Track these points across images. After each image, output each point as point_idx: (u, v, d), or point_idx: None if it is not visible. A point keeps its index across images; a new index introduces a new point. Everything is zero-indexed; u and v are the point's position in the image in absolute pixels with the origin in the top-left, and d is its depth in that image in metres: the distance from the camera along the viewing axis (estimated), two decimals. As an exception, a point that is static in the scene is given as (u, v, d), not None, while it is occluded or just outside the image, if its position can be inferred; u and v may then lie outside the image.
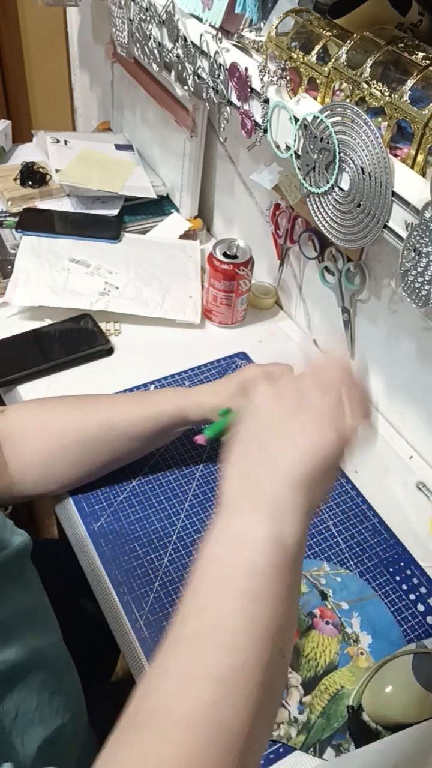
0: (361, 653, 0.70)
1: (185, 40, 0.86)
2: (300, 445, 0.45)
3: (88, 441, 0.75)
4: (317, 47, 0.69)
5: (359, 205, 0.68)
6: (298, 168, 0.75)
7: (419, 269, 0.63)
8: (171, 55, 0.91)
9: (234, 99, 0.81)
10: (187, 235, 1.21)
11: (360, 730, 0.64)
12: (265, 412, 0.48)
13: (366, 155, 0.64)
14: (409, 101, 0.60)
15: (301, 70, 0.71)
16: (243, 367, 0.78)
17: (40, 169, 1.23)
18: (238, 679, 0.40)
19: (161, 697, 0.40)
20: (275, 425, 0.46)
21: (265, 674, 0.40)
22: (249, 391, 0.50)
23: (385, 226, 0.66)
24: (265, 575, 0.42)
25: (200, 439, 0.67)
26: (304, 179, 0.75)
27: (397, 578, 0.76)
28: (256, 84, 0.76)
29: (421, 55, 0.63)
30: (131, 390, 0.94)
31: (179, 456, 0.86)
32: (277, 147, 0.78)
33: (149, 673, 0.42)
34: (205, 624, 0.42)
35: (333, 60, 0.67)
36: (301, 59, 0.70)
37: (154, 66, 0.97)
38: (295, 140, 0.73)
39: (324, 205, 0.74)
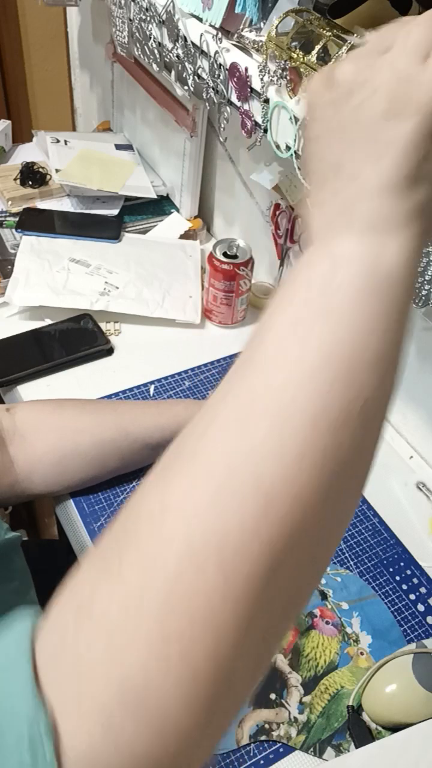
0: (361, 653, 0.70)
1: (185, 40, 0.86)
2: (384, 139, 0.33)
3: (102, 443, 0.75)
4: (317, 47, 0.69)
5: (359, 205, 0.68)
6: (299, 168, 0.75)
7: (419, 269, 0.63)
8: (171, 55, 0.91)
9: (234, 99, 0.81)
10: (187, 235, 1.21)
11: (360, 730, 0.64)
12: (325, 117, 0.37)
13: (366, 155, 0.64)
14: (409, 101, 0.60)
15: (302, 69, 0.71)
16: None
17: (40, 169, 1.23)
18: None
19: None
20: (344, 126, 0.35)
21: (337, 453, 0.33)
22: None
23: (386, 226, 0.66)
24: (357, 299, 0.32)
25: None
26: (304, 179, 0.75)
27: (397, 578, 0.76)
28: (256, 84, 0.76)
29: (421, 55, 0.63)
30: (131, 390, 0.94)
31: (179, 456, 0.86)
32: (278, 147, 0.78)
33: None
34: (263, 377, 0.33)
35: (333, 60, 0.67)
36: (302, 59, 0.70)
37: (154, 66, 0.97)
38: (295, 140, 0.73)
39: (324, 205, 0.74)
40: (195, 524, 0.30)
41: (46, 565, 0.64)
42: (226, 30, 0.80)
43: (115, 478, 0.81)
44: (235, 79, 0.79)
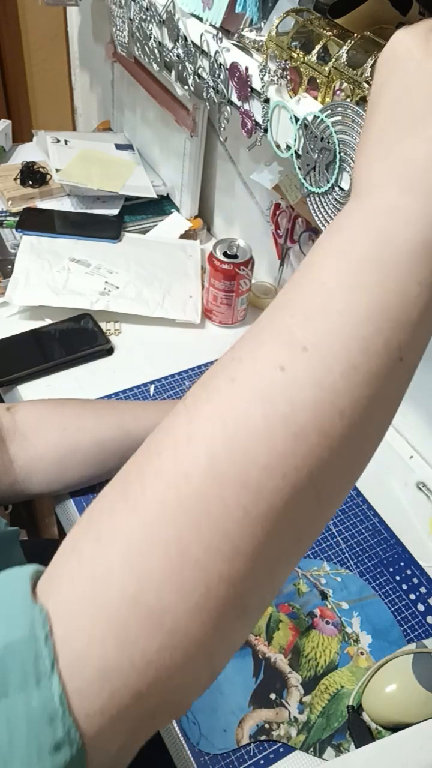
0: (361, 653, 0.70)
1: (185, 39, 0.86)
2: None
3: (103, 443, 0.75)
4: (318, 47, 0.69)
5: (360, 205, 0.68)
6: (299, 168, 0.75)
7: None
8: (171, 54, 0.91)
9: (234, 98, 0.81)
10: (187, 235, 1.21)
11: (360, 730, 0.64)
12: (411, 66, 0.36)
13: (366, 155, 0.64)
14: (409, 101, 0.60)
15: (302, 69, 0.71)
16: None
17: (41, 169, 1.23)
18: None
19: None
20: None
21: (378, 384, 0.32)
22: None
23: (386, 226, 0.66)
24: (409, 252, 0.33)
25: None
26: (304, 179, 0.75)
27: (397, 578, 0.76)
28: (256, 84, 0.76)
29: (421, 54, 0.63)
30: (131, 390, 0.94)
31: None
32: (278, 147, 0.78)
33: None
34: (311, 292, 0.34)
35: (333, 60, 0.67)
36: (302, 59, 0.70)
37: (155, 65, 0.97)
38: (295, 140, 0.73)
39: (324, 204, 0.74)
40: (221, 448, 0.31)
41: (46, 565, 0.64)
42: (226, 30, 0.80)
43: (115, 478, 0.81)
44: (235, 79, 0.79)
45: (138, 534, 0.31)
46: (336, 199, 0.71)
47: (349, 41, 0.66)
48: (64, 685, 0.29)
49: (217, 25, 0.80)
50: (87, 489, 0.80)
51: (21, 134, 1.57)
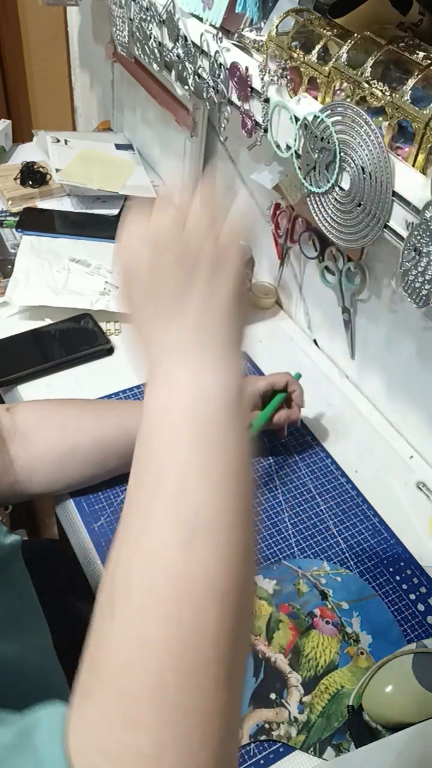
0: (361, 653, 0.70)
1: (186, 39, 0.86)
2: (202, 291, 0.42)
3: (103, 443, 0.76)
4: (318, 47, 0.69)
5: (360, 205, 0.68)
6: (299, 167, 0.75)
7: (420, 269, 0.63)
8: (171, 54, 0.91)
9: (234, 98, 0.81)
10: (187, 235, 1.21)
11: (360, 730, 0.64)
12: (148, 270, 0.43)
13: (366, 155, 0.64)
14: (410, 101, 0.60)
15: (302, 69, 0.71)
16: None
17: (41, 169, 1.23)
18: (206, 524, 0.37)
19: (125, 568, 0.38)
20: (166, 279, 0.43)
21: (234, 521, 0.38)
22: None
23: (386, 226, 0.66)
24: (208, 419, 0.40)
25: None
26: (304, 179, 0.75)
27: (397, 578, 0.76)
28: (256, 83, 0.76)
29: (421, 54, 0.63)
30: (131, 389, 0.94)
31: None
32: (278, 147, 0.78)
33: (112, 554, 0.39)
34: (157, 477, 0.39)
35: (333, 59, 0.67)
36: (302, 59, 0.70)
37: (155, 65, 0.97)
38: (295, 140, 0.73)
39: (324, 204, 0.74)
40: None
41: (46, 565, 0.64)
42: (226, 29, 0.80)
43: (115, 478, 0.81)
44: (235, 79, 0.79)
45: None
46: (336, 199, 0.71)
47: (349, 41, 0.66)
48: None
49: (217, 25, 0.80)
50: (87, 489, 0.80)
51: (21, 134, 1.57)
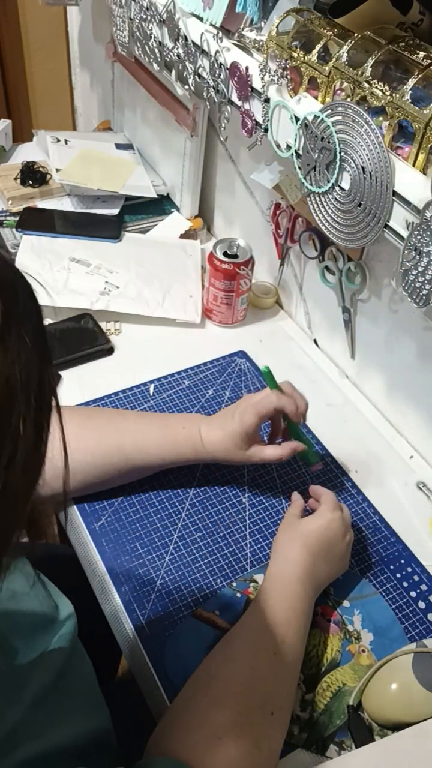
0: (363, 651, 0.70)
1: (186, 39, 0.86)
2: (337, 567, 0.73)
3: (103, 466, 0.76)
4: (318, 46, 0.69)
5: (360, 205, 0.68)
6: (299, 167, 0.75)
7: (420, 269, 0.63)
8: (171, 54, 0.91)
9: (234, 98, 0.81)
10: (187, 235, 1.21)
11: (360, 730, 0.64)
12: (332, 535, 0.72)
13: (367, 154, 0.65)
14: (410, 100, 0.61)
15: (302, 69, 0.71)
16: (256, 400, 0.75)
17: (41, 169, 1.23)
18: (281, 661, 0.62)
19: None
20: (332, 544, 0.72)
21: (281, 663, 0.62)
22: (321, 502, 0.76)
23: (386, 226, 0.66)
24: (294, 608, 0.66)
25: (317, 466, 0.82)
26: (304, 179, 0.75)
27: (398, 576, 0.77)
28: (256, 83, 0.76)
29: (422, 54, 0.63)
30: (131, 389, 0.94)
31: (180, 455, 0.86)
32: (278, 146, 0.78)
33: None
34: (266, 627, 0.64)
35: (334, 59, 0.67)
36: (302, 58, 0.70)
37: (155, 65, 0.97)
38: (295, 139, 0.74)
39: (325, 204, 0.74)
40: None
41: (46, 565, 0.64)
42: (226, 29, 0.80)
43: (116, 478, 0.81)
44: (235, 79, 0.79)
45: None
46: (336, 199, 0.72)
47: (349, 41, 0.66)
48: None
49: (218, 25, 0.80)
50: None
51: (21, 134, 1.57)
